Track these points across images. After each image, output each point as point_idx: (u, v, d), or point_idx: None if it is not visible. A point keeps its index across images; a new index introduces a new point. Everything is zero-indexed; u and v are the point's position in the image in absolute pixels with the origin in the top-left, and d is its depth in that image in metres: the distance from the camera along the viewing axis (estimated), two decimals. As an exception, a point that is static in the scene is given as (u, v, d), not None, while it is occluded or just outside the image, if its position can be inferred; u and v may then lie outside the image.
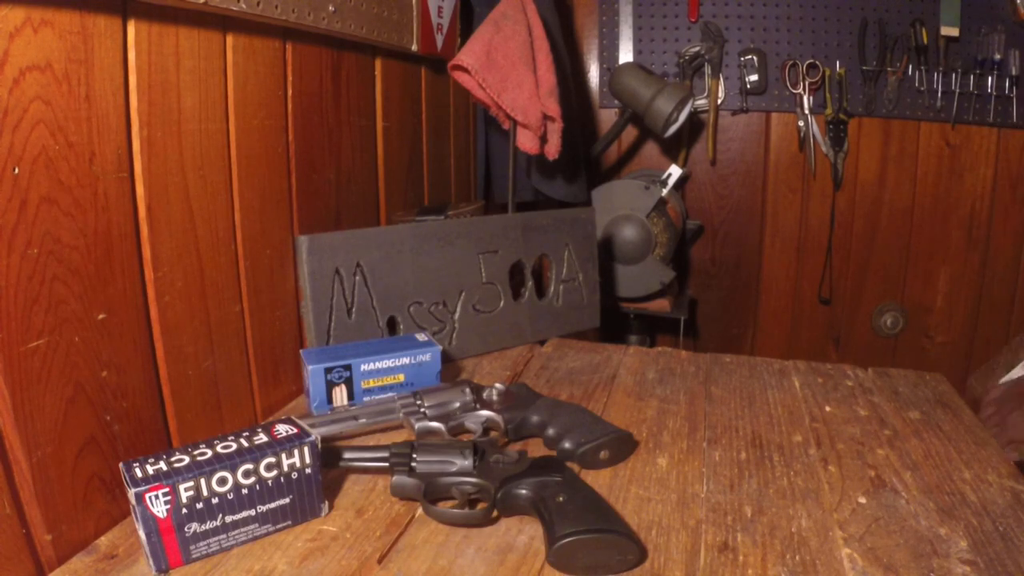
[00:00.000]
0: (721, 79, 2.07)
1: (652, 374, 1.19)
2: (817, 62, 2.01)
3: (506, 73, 1.34)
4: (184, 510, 0.68)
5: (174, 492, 0.67)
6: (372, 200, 1.34)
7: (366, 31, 1.20)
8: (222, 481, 0.70)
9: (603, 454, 0.90)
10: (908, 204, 2.09)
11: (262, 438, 0.74)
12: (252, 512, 0.72)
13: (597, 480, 0.87)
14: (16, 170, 0.65)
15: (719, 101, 2.08)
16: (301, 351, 1.04)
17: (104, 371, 0.76)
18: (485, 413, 0.96)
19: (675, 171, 1.79)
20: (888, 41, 1.96)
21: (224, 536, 0.71)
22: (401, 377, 1.03)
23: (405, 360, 1.03)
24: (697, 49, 2.05)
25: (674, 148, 2.15)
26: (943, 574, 0.70)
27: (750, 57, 2.03)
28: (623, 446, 0.92)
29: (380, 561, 0.71)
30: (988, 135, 2.01)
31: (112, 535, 0.75)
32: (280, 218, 1.05)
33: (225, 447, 0.72)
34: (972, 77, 1.94)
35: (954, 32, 1.92)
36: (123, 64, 0.76)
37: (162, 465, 0.69)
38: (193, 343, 0.89)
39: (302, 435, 0.75)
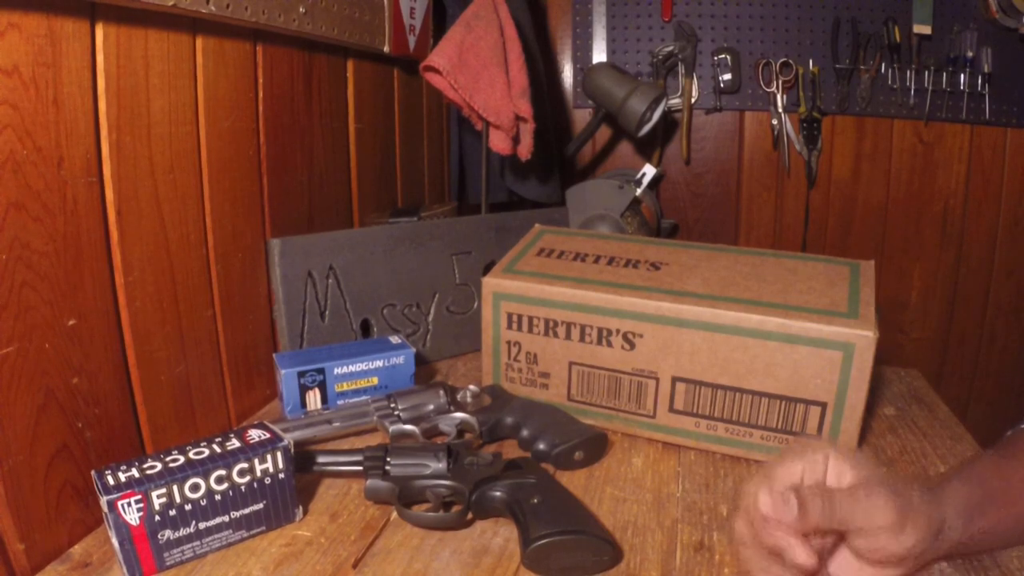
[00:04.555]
0: (695, 78, 2.07)
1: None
2: (790, 61, 2.02)
3: (478, 74, 1.34)
4: (157, 517, 0.68)
5: (147, 499, 0.67)
6: (345, 202, 1.33)
7: (337, 32, 1.20)
8: (195, 487, 0.69)
9: (578, 455, 0.90)
10: (882, 201, 2.10)
11: (235, 443, 0.74)
12: (226, 518, 0.72)
13: (572, 481, 0.87)
14: (-18, 176, 0.64)
15: (693, 100, 2.08)
16: (274, 355, 1.03)
17: (75, 377, 0.75)
18: (459, 415, 0.96)
19: (649, 170, 1.79)
20: (861, 39, 1.97)
21: (198, 543, 0.71)
22: (375, 380, 1.03)
23: (378, 363, 1.03)
24: (671, 48, 2.05)
25: (648, 147, 2.16)
26: (916, 570, 0.70)
27: (723, 56, 2.03)
28: (598, 446, 0.92)
29: (355, 565, 0.71)
30: (961, 132, 2.02)
31: (86, 543, 0.75)
32: (252, 221, 1.04)
33: (197, 453, 0.72)
34: (945, 74, 1.95)
35: (927, 30, 1.93)
36: (91, 68, 0.75)
37: (134, 472, 0.68)
38: (165, 348, 0.88)
39: (275, 440, 0.75)
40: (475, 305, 1.30)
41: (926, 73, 1.96)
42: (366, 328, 1.18)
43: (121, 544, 0.66)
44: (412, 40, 1.50)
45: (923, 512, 0.60)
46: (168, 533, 0.69)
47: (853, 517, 0.57)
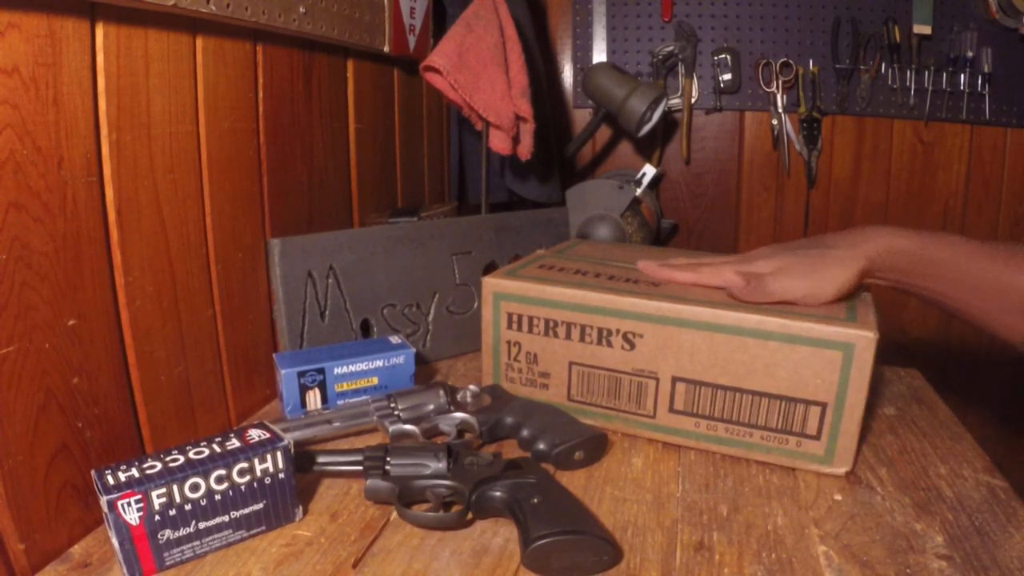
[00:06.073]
0: (695, 78, 2.07)
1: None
2: (790, 61, 2.02)
3: (478, 74, 1.34)
4: (157, 517, 0.67)
5: (147, 499, 0.67)
6: (345, 202, 1.33)
7: (337, 32, 1.19)
8: (195, 487, 0.69)
9: (578, 455, 0.90)
10: (882, 201, 2.10)
11: (235, 443, 0.74)
12: (226, 518, 0.72)
13: (572, 481, 0.87)
14: (-18, 176, 0.64)
15: (693, 100, 2.08)
16: (274, 355, 1.03)
17: (75, 377, 0.75)
18: (459, 415, 0.96)
19: (649, 170, 1.79)
20: (861, 39, 1.97)
21: (198, 542, 0.71)
22: (375, 380, 1.03)
23: (378, 363, 1.03)
24: (671, 48, 2.05)
25: (648, 147, 2.16)
26: (919, 570, 0.70)
27: (724, 56, 2.03)
28: (598, 446, 0.92)
29: (355, 565, 0.71)
30: (961, 132, 2.02)
31: (86, 543, 0.75)
32: (252, 221, 1.04)
33: (197, 453, 0.72)
34: (945, 75, 1.95)
35: (927, 30, 1.93)
36: (91, 67, 0.75)
37: (134, 472, 0.68)
38: (165, 348, 0.88)
39: (275, 440, 0.75)
40: (475, 305, 1.30)
41: (926, 73, 1.96)
42: (366, 328, 1.18)
43: (121, 544, 0.66)
44: (412, 40, 1.50)
45: (838, 277, 0.89)
46: (168, 533, 0.69)
47: (782, 295, 0.89)
